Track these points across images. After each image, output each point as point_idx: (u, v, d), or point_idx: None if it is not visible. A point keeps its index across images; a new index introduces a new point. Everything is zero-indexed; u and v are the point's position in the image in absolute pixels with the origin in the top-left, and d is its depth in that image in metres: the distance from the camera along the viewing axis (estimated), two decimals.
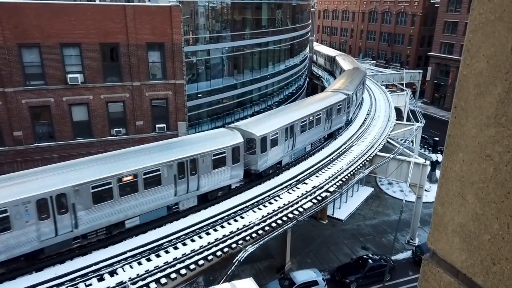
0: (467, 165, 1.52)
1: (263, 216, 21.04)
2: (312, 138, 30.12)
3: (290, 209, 22.04)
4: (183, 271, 16.90)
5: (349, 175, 26.96)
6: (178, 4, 27.54)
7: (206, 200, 22.00)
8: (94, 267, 16.47)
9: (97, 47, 25.13)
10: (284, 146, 26.56)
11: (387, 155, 30.85)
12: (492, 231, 1.43)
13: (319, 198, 23.65)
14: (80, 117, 25.96)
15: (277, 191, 23.86)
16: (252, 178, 24.62)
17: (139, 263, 17.04)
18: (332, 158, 29.10)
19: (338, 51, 71.67)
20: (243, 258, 18.32)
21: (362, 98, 44.81)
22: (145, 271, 16.50)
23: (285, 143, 26.56)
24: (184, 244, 18.49)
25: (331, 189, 24.78)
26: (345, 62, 55.08)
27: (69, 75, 24.63)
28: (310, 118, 28.90)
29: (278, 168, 26.52)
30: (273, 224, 20.72)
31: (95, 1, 33.51)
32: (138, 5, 27.10)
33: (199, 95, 34.28)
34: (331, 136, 33.50)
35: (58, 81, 24.62)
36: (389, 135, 35.13)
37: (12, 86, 23.59)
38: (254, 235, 19.77)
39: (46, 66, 24.19)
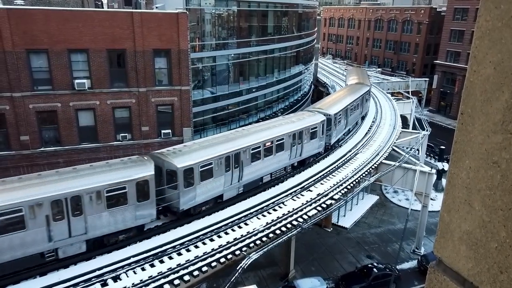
0: (474, 172, 1.51)
1: (267, 223, 20.97)
2: (355, 119, 37.48)
3: (295, 216, 21.94)
4: (186, 278, 16.84)
5: (354, 182, 26.82)
6: (185, 11, 27.79)
7: (303, 164, 28.17)
8: (97, 272, 16.46)
9: (104, 53, 25.37)
10: (345, 124, 33.38)
11: (393, 163, 30.69)
12: (499, 238, 1.42)
13: (323, 205, 23.52)
14: (86, 122, 26.14)
15: (281, 198, 23.79)
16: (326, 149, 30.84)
17: (143, 269, 17.00)
18: (337, 165, 29.01)
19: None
20: (246, 265, 18.22)
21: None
22: (149, 277, 16.46)
23: (345, 121, 33.30)
24: (188, 251, 18.44)
25: (336, 197, 24.65)
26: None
27: (76, 81, 24.87)
28: (354, 103, 35.68)
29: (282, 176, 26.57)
30: (277, 231, 20.62)
31: (103, 8, 33.90)
32: (145, 12, 27.39)
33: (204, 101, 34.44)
34: (363, 119, 40.71)
35: (65, 86, 24.85)
36: (394, 143, 34.98)
37: (20, 91, 23.84)
38: (258, 242, 19.69)
39: (53, 71, 24.45)
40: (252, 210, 22.18)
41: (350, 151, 32.09)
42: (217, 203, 22.22)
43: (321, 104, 32.66)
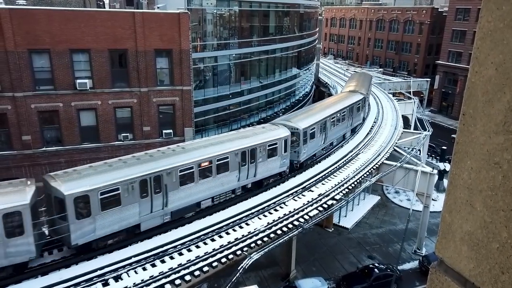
0: (476, 172, 1.51)
1: (268, 223, 20.98)
2: (340, 132, 33.65)
3: (296, 216, 21.94)
4: (187, 277, 16.86)
5: (355, 183, 26.80)
6: (186, 11, 27.80)
7: (261, 186, 24.58)
8: (99, 272, 16.49)
9: (106, 53, 25.40)
10: (322, 138, 29.99)
11: (394, 163, 30.65)
12: (501, 239, 1.42)
13: (325, 206, 23.52)
14: (88, 122, 26.18)
15: (282, 198, 23.79)
16: (294, 168, 27.32)
17: (144, 269, 17.03)
18: (338, 165, 28.98)
19: None
20: (248, 265, 18.23)
21: (369, 105, 44.87)
22: (150, 277, 16.48)
23: (322, 136, 29.86)
24: (189, 250, 18.46)
25: (337, 197, 24.64)
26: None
27: (78, 81, 24.90)
28: (338, 115, 32.35)
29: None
30: (279, 232, 20.63)
31: (104, 8, 33.92)
32: (147, 12, 27.41)
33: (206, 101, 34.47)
34: (354, 132, 36.85)
35: (67, 86, 24.89)
36: (396, 143, 34.95)
37: (22, 91, 23.89)
38: (259, 242, 19.69)
39: (55, 71, 24.49)
40: (253, 210, 22.19)
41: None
42: (135, 234, 18.91)
43: (293, 116, 29.30)
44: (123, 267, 16.91)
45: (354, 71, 71.18)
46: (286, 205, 23.04)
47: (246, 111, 39.81)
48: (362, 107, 37.92)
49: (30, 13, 23.48)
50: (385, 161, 31.04)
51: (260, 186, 24.59)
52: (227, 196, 22.75)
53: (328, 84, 63.23)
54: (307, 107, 35.56)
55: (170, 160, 19.74)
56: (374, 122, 40.68)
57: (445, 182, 40.09)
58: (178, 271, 17.00)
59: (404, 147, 36.69)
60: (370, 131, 37.70)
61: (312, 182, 26.01)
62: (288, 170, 26.22)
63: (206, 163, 21.00)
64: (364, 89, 39.50)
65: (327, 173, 27.51)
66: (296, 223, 21.50)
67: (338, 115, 32.35)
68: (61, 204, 16.31)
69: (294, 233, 21.24)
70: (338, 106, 33.12)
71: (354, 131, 37.00)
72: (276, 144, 24.41)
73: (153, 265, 17.29)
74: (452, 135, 56.07)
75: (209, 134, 34.25)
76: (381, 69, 78.08)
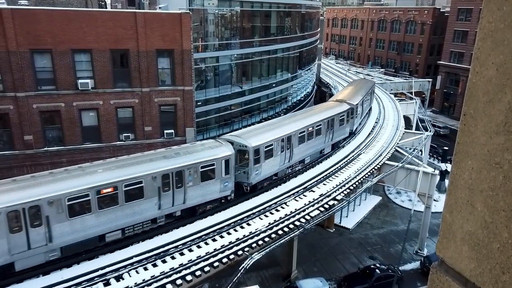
0: (476, 172, 1.52)
1: (269, 224, 20.98)
2: (314, 148, 29.59)
3: (297, 216, 21.93)
4: (188, 278, 16.88)
5: (357, 183, 26.77)
6: (188, 11, 27.82)
7: (194, 213, 21.42)
8: (100, 272, 16.53)
9: (107, 53, 25.44)
10: (286, 157, 26.29)
11: (396, 163, 30.61)
12: (502, 239, 1.42)
13: (326, 206, 23.52)
14: (90, 122, 26.23)
15: (284, 198, 23.78)
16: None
17: (145, 269, 17.06)
18: (340, 166, 28.95)
19: None
20: (249, 265, 18.24)
21: (371, 109, 44.78)
22: (151, 277, 16.50)
23: (285, 154, 26.08)
24: (190, 250, 18.49)
25: (339, 197, 24.62)
26: None
27: (80, 81, 24.95)
28: (309, 128, 28.52)
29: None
30: (280, 232, 20.63)
31: (106, 8, 33.95)
32: (148, 12, 27.44)
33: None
34: (337, 147, 33.38)
35: (68, 86, 24.94)
36: (397, 143, 34.90)
37: (23, 91, 23.94)
38: (260, 242, 19.70)
39: (57, 71, 24.54)
40: (254, 211, 22.20)
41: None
42: (12, 273, 16.02)
43: (248, 131, 25.82)
44: (125, 267, 16.95)
45: (356, 72, 71.25)
46: (288, 205, 23.02)
47: (247, 111, 39.82)
48: (347, 120, 33.26)
49: (32, 13, 23.54)
50: (387, 162, 31.00)
51: (194, 213, 21.32)
52: (144, 226, 19.40)
53: (330, 85, 63.21)
54: (273, 120, 30.90)
55: (54, 186, 16.60)
56: (376, 122, 40.67)
57: (447, 182, 40.01)
58: (180, 271, 17.03)
59: (406, 148, 36.63)
60: (372, 131, 37.67)
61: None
62: (233, 194, 22.90)
63: (109, 189, 17.75)
64: (355, 99, 35.27)
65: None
66: (297, 223, 21.50)
67: (311, 129, 28.30)
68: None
69: (295, 233, 21.24)
70: (311, 119, 29.05)
71: (335, 147, 32.86)
72: (213, 165, 21.17)
73: (154, 265, 17.33)
74: (432, 123, 55.88)
75: (210, 134, 34.29)
76: (382, 70, 78.05)
